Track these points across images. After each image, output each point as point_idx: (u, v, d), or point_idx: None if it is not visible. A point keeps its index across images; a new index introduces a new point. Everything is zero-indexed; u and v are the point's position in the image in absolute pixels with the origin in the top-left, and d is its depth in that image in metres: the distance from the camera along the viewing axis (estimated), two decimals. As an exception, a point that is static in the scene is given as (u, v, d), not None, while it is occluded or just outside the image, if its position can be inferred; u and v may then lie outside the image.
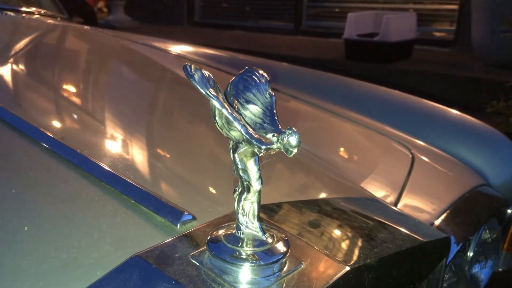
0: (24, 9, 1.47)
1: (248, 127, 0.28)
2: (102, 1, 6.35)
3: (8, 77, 0.83)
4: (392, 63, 2.81)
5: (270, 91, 0.30)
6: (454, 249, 0.60)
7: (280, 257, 0.30)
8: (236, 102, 0.30)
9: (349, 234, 0.40)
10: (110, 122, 0.68)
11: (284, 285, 0.29)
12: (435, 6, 3.56)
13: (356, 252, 0.37)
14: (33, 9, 1.52)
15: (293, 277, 0.30)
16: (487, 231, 0.71)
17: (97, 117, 0.69)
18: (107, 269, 0.31)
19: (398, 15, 2.89)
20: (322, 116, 0.91)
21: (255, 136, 0.27)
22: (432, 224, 0.64)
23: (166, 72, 1.06)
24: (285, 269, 0.30)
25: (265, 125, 0.29)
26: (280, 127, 0.28)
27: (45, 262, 0.33)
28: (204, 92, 0.27)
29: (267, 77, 0.30)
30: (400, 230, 0.46)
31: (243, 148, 0.29)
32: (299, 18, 4.25)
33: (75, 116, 0.69)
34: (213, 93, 0.27)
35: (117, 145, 0.59)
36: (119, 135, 0.63)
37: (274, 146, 0.27)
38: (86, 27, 1.52)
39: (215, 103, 0.27)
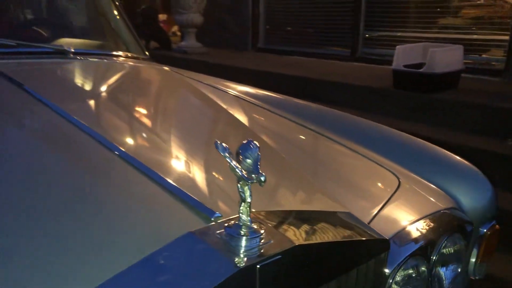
0: (114, 52, 1.86)
1: (243, 172, 0.58)
2: (176, 26, 6.92)
3: (102, 109, 1.21)
4: (438, 92, 2.99)
5: (258, 152, 0.60)
6: (406, 252, 0.86)
7: (259, 235, 0.60)
8: (241, 156, 0.60)
9: (310, 228, 0.69)
10: (171, 145, 1.04)
11: (260, 248, 0.59)
12: (486, 36, 3.67)
13: (311, 239, 0.66)
14: (120, 52, 1.90)
15: (266, 247, 0.60)
16: (448, 243, 0.96)
17: (161, 140, 1.05)
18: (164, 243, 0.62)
19: (444, 48, 3.07)
20: (330, 146, 1.20)
21: (246, 176, 0.58)
22: (401, 231, 0.90)
23: (222, 112, 1.39)
24: (261, 242, 0.60)
25: (252, 169, 0.59)
26: (260, 171, 0.59)
27: (123, 234, 0.65)
28: (223, 155, 0.58)
29: (257, 144, 0.61)
30: (349, 230, 0.74)
31: (241, 180, 0.59)
32: (356, 45, 4.50)
33: (145, 137, 1.06)
34: (228, 155, 0.58)
35: (174, 161, 0.94)
36: (175, 154, 0.98)
37: (254, 181, 0.57)
38: (162, 68, 1.89)
39: (228, 161, 0.58)
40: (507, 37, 3.45)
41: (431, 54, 2.97)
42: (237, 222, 0.61)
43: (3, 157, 0.88)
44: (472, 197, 1.07)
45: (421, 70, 3.01)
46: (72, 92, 1.34)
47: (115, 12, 2.01)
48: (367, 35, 4.48)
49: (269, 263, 0.57)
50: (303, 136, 1.29)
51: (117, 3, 2.04)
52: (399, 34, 4.22)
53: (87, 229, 0.68)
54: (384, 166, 1.11)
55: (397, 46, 3.17)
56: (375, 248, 0.76)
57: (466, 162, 1.14)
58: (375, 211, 0.94)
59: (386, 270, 0.83)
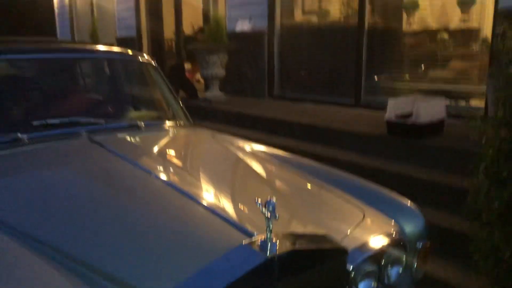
0: (169, 122, 2.53)
1: (268, 213, 1.21)
2: (198, 72, 7.68)
3: (170, 164, 1.86)
4: (424, 139, 3.60)
5: (274, 201, 1.24)
6: (364, 255, 1.47)
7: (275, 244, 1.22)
8: (265, 207, 1.23)
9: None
10: (219, 187, 1.67)
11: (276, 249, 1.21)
12: (468, 86, 4.31)
13: (306, 246, 1.28)
14: (173, 121, 2.56)
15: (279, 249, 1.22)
16: (392, 253, 1.56)
17: (211, 185, 1.69)
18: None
19: (428, 101, 3.70)
20: (320, 191, 1.82)
21: (269, 216, 1.21)
22: (363, 244, 1.51)
23: (248, 167, 2.03)
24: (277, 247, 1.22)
25: (272, 212, 1.22)
26: (275, 213, 1.22)
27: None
28: (259, 207, 1.22)
29: (274, 200, 1.24)
30: (327, 243, 1.36)
31: (266, 217, 1.23)
32: (358, 94, 5.16)
33: (201, 182, 1.70)
34: (260, 206, 1.22)
35: (222, 198, 1.58)
36: (223, 194, 1.63)
37: (274, 218, 1.21)
38: (206, 131, 2.55)
39: (261, 209, 1.22)
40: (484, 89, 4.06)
41: (416, 106, 3.60)
42: (265, 238, 1.23)
43: (122, 195, 1.53)
44: (410, 225, 1.68)
45: (409, 120, 3.63)
46: (151, 155, 2.01)
47: (166, 88, 2.70)
48: (368, 85, 5.14)
49: (281, 256, 1.19)
50: (306, 185, 1.92)
51: (165, 79, 2.74)
52: (395, 84, 4.87)
53: (163, 242, 1.30)
54: (354, 203, 1.73)
55: (389, 100, 3.81)
56: (339, 253, 1.37)
57: (408, 201, 1.76)
58: (348, 232, 1.56)
59: (350, 268, 1.44)
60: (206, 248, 1.27)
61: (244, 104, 5.79)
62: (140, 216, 1.43)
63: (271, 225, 1.15)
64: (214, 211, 1.41)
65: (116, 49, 2.66)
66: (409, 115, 3.70)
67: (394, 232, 1.61)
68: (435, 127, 3.70)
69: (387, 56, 5.15)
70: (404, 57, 5.08)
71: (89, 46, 2.71)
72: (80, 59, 2.48)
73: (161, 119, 2.48)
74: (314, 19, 7.11)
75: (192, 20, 9.48)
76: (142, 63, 2.65)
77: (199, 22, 9.88)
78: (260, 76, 6.28)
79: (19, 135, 1.88)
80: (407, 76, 4.97)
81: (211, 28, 6.09)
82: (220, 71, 6.04)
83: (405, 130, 3.67)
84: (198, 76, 8.07)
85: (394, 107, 3.78)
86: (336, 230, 1.51)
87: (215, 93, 6.12)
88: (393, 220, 1.66)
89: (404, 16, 8.17)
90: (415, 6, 8.43)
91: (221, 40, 5.99)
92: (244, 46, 6.22)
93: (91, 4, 10.96)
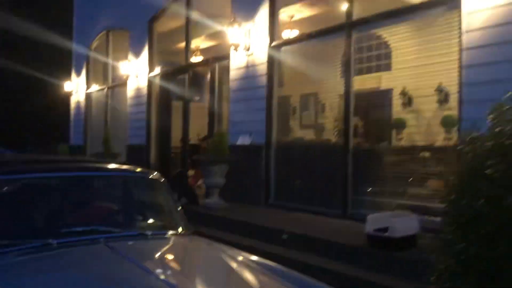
0: (172, 231, 2.97)
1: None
2: (201, 179, 8.21)
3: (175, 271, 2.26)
4: (399, 251, 3.99)
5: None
6: None
7: None
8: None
9: None
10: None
11: None
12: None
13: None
14: (175, 230, 3.00)
15: None
16: None
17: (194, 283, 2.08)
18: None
19: (402, 217, 4.16)
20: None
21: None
22: None
23: (230, 271, 2.43)
24: None
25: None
26: None
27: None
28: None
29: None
30: None
31: None
32: (345, 207, 5.64)
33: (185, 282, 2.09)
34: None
35: None
36: None
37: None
38: (199, 240, 2.98)
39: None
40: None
41: (392, 221, 4.05)
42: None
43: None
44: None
45: (385, 234, 4.05)
46: (155, 260, 2.43)
47: (171, 201, 3.19)
48: (354, 199, 5.64)
49: None
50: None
51: (170, 192, 3.23)
52: (378, 199, 5.37)
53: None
54: None
55: (368, 216, 4.27)
56: None
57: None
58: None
59: None
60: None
61: (242, 212, 6.24)
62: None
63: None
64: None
65: (129, 167, 3.21)
66: (385, 229, 4.13)
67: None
68: (409, 241, 4.10)
69: (371, 173, 5.71)
70: (387, 174, 5.64)
71: (105, 165, 3.25)
72: (99, 176, 3.01)
73: (165, 229, 2.93)
74: (307, 136, 7.84)
75: (199, 130, 10.32)
76: (151, 179, 3.17)
77: (205, 131, 10.74)
78: (257, 185, 6.83)
79: (50, 240, 2.33)
80: (388, 192, 5.48)
81: (215, 141, 6.77)
82: (220, 180, 6.60)
83: (383, 243, 4.07)
84: (200, 182, 8.62)
85: (372, 221, 4.23)
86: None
87: (215, 200, 6.61)
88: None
89: (390, 135, 8.98)
90: (401, 126, 9.30)
91: (223, 153, 6.63)
92: (243, 158, 6.85)
93: (106, 113, 11.96)
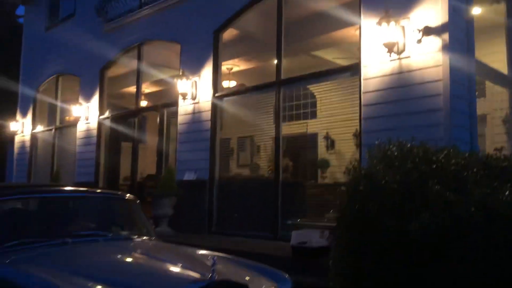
0: (144, 237, 3.99)
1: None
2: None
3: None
4: (316, 258, 5.21)
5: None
6: None
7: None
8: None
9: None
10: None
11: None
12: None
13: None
14: (146, 236, 4.04)
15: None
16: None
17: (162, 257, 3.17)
18: None
19: (318, 233, 5.41)
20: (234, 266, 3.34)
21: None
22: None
23: (199, 261, 3.50)
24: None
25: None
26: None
27: None
28: None
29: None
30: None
31: None
32: (276, 230, 6.84)
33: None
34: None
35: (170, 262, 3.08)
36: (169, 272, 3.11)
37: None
38: (166, 242, 4.02)
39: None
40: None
41: (310, 236, 5.28)
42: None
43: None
44: (284, 284, 3.19)
45: (305, 245, 5.27)
46: (140, 251, 3.46)
47: (141, 215, 4.22)
48: (283, 223, 6.87)
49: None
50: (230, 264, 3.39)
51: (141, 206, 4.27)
52: (301, 222, 6.62)
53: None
54: (255, 274, 3.24)
55: (293, 232, 5.48)
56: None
57: (285, 273, 3.30)
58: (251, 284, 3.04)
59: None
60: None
61: (187, 238, 7.22)
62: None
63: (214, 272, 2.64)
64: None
65: (111, 191, 4.24)
66: (305, 242, 5.36)
67: (274, 285, 3.12)
68: (323, 250, 5.33)
69: (296, 201, 6.99)
70: (308, 202, 6.94)
71: (95, 189, 4.27)
72: (93, 197, 4.03)
73: (141, 234, 3.96)
74: (244, 172, 9.06)
75: (142, 170, 11.22)
76: (128, 199, 4.21)
77: (148, 171, 11.62)
78: (202, 215, 7.87)
79: (68, 239, 3.31)
80: (310, 216, 6.77)
81: (164, 177, 7.79)
82: (169, 211, 7.58)
83: (303, 252, 5.28)
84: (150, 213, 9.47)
85: (296, 236, 5.45)
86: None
87: (164, 228, 7.55)
88: (274, 282, 3.19)
89: (316, 173, 10.43)
90: (326, 165, 10.81)
91: (172, 187, 7.66)
92: (189, 191, 7.90)
93: (53, 152, 12.51)
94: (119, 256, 3.26)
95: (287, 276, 3.32)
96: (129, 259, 3.29)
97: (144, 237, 3.94)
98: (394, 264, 3.15)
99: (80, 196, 3.89)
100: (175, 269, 3.06)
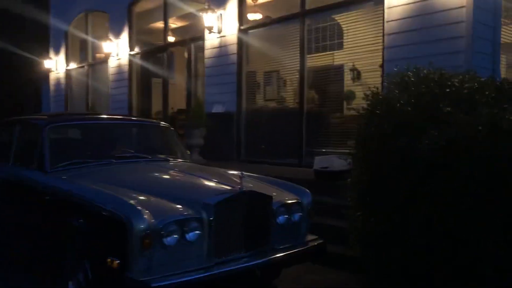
0: (180, 159, 4.42)
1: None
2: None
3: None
4: (336, 181, 5.58)
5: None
6: (278, 204, 3.36)
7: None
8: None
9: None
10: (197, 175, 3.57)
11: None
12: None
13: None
14: (182, 159, 4.47)
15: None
16: (288, 208, 3.45)
17: (194, 174, 3.60)
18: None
19: (338, 158, 5.74)
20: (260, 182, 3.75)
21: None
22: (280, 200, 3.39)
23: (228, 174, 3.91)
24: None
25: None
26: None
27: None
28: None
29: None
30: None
31: None
32: (300, 157, 7.22)
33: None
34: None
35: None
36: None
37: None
38: (197, 165, 4.46)
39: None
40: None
41: (332, 161, 5.63)
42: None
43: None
44: (304, 197, 3.58)
45: (328, 169, 5.64)
46: (176, 169, 3.90)
47: (176, 140, 4.64)
48: (307, 151, 7.23)
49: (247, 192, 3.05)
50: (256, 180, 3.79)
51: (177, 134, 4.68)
52: (324, 150, 6.97)
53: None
54: (278, 188, 3.63)
55: (316, 157, 5.84)
56: (270, 198, 3.24)
57: (305, 188, 3.67)
58: (275, 196, 3.44)
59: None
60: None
61: (218, 165, 7.70)
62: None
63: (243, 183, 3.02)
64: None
65: (149, 119, 4.65)
66: (327, 167, 5.72)
67: (296, 199, 3.51)
68: (344, 174, 5.69)
69: (320, 131, 7.29)
70: (331, 132, 7.23)
71: (134, 118, 4.69)
72: (134, 124, 4.46)
73: (176, 157, 4.40)
74: (270, 104, 9.34)
75: (175, 102, 11.63)
76: (163, 126, 4.62)
77: (178, 106, 12.05)
78: (231, 145, 8.31)
79: (112, 160, 3.76)
80: (332, 144, 7.08)
81: (194, 109, 8.17)
82: (200, 141, 8.03)
83: (325, 176, 5.66)
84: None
85: (318, 162, 5.81)
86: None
87: (196, 157, 8.03)
88: (296, 195, 3.57)
89: (340, 103, 10.63)
90: (351, 96, 10.96)
91: (202, 118, 8.05)
92: (218, 123, 8.29)
93: (87, 89, 13.03)
94: (158, 173, 3.71)
95: (307, 190, 3.69)
96: (167, 176, 3.73)
97: (180, 160, 4.37)
98: (403, 180, 3.45)
99: (122, 123, 4.33)
100: (208, 183, 3.47)
